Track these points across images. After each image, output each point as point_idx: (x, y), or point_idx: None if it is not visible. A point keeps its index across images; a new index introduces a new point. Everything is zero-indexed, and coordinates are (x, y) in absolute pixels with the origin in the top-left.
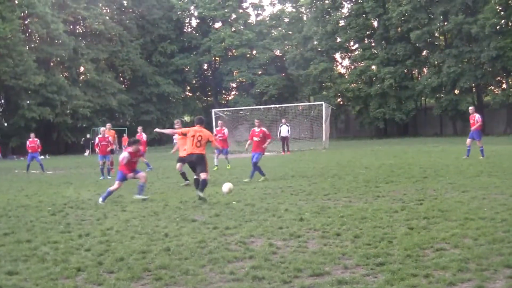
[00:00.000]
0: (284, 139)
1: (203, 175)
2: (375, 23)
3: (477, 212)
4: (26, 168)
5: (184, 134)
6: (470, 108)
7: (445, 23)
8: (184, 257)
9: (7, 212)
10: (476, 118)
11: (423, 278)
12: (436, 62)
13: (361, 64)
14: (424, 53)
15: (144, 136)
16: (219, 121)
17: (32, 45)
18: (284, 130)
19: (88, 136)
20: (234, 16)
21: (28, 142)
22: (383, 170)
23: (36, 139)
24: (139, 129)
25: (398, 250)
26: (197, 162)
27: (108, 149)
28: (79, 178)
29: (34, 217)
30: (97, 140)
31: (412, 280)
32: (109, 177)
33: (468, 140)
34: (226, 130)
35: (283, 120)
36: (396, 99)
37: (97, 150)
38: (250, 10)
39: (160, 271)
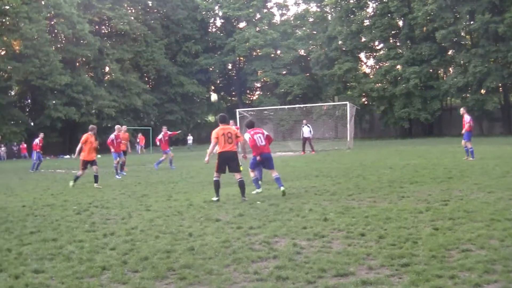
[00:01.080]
0: (306, 140)
1: (238, 176)
2: (400, 23)
3: (504, 213)
4: (37, 167)
5: (217, 138)
6: (461, 109)
7: (471, 22)
8: (208, 256)
9: (33, 211)
10: (467, 120)
11: (448, 279)
12: (462, 61)
13: (386, 64)
14: (449, 52)
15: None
16: (231, 121)
17: (58, 46)
18: (306, 131)
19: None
20: (258, 16)
21: (38, 141)
22: (408, 171)
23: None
24: (164, 128)
25: (423, 251)
26: (231, 160)
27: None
28: (103, 177)
29: (60, 216)
30: (112, 137)
31: (437, 281)
32: (123, 173)
33: (463, 142)
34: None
35: (304, 121)
36: (421, 99)
37: (111, 148)
38: (274, 10)
39: (184, 270)
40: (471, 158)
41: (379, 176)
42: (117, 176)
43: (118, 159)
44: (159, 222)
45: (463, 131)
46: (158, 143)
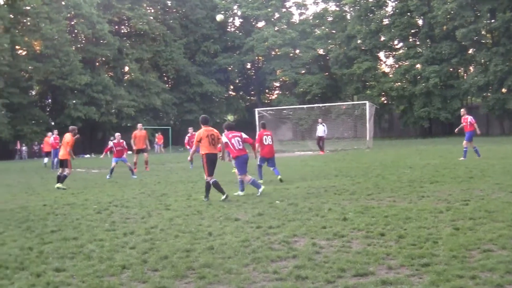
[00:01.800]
0: (319, 139)
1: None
2: (420, 21)
3: None
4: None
5: (199, 141)
6: (462, 110)
7: (492, 20)
8: (228, 256)
9: (54, 210)
10: (469, 120)
11: (469, 279)
12: (482, 60)
13: (406, 63)
14: (470, 51)
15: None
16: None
17: (78, 46)
18: (320, 130)
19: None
20: (277, 15)
21: (52, 139)
22: (428, 170)
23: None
24: (190, 129)
25: (444, 251)
26: (216, 161)
27: (124, 154)
28: (123, 176)
29: (80, 215)
30: (111, 144)
31: (458, 282)
32: (134, 177)
33: (465, 142)
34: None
35: (320, 120)
36: (441, 98)
37: (108, 153)
38: (293, 9)
39: (204, 269)
40: (462, 158)
41: (399, 176)
42: (108, 177)
43: (115, 163)
44: (179, 221)
45: (467, 131)
46: (187, 146)
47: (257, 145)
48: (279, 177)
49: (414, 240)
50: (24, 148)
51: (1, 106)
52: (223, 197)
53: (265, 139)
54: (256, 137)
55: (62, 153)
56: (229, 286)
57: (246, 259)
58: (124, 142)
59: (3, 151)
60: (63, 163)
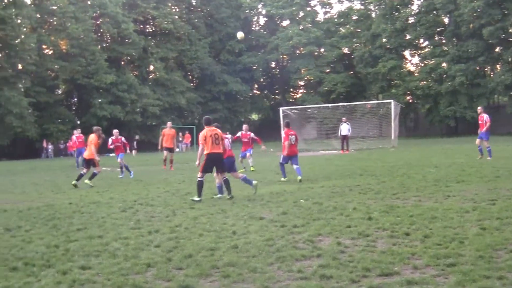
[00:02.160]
0: (344, 138)
1: (223, 175)
2: (446, 20)
3: None
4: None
5: (204, 140)
6: (479, 108)
7: None
8: (252, 254)
9: (79, 208)
10: (484, 119)
11: (496, 280)
12: (510, 59)
13: (431, 62)
14: (497, 49)
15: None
16: (244, 125)
17: (104, 45)
18: (344, 129)
19: (136, 136)
20: (301, 14)
21: (75, 138)
22: (454, 169)
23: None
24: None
25: (470, 251)
26: (218, 161)
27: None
28: (148, 175)
29: (106, 213)
30: (110, 141)
31: (485, 282)
32: (121, 176)
33: (478, 141)
34: (251, 135)
35: (343, 119)
36: (467, 97)
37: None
38: (318, 8)
39: (228, 268)
40: (488, 158)
41: (424, 175)
42: (121, 176)
43: (120, 159)
44: (203, 220)
45: (483, 130)
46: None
47: (286, 143)
48: (299, 178)
49: (440, 240)
50: (50, 146)
51: (28, 105)
52: (197, 198)
53: (291, 139)
54: (283, 135)
55: (88, 153)
56: (254, 285)
57: (271, 258)
58: (123, 138)
59: (30, 149)
60: (89, 163)
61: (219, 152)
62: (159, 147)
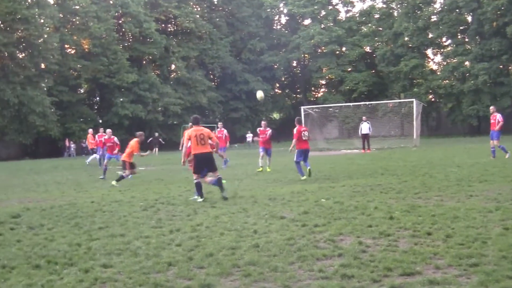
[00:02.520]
0: (364, 137)
1: (216, 174)
2: (469, 18)
3: None
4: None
5: (189, 139)
6: (491, 107)
7: None
8: (273, 254)
9: (101, 207)
10: (497, 118)
11: None
12: None
13: (454, 60)
14: None
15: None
16: (263, 122)
17: (125, 44)
18: (364, 128)
19: (156, 134)
20: (323, 12)
21: (97, 137)
22: (477, 169)
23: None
24: (220, 124)
25: (493, 251)
26: (206, 161)
27: (115, 151)
28: (169, 174)
29: (127, 212)
30: (97, 138)
31: (508, 282)
32: (101, 177)
33: (491, 142)
34: (269, 132)
35: (364, 118)
36: (490, 96)
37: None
38: (339, 7)
39: (249, 267)
40: (507, 156)
41: (447, 175)
42: (102, 177)
43: (108, 160)
44: (224, 219)
45: (496, 129)
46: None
47: (294, 141)
48: (308, 168)
49: (462, 239)
50: (72, 145)
51: (50, 104)
52: (200, 200)
53: (304, 134)
54: (295, 132)
55: (124, 155)
56: (274, 284)
57: (292, 257)
58: (115, 138)
59: (52, 148)
60: (124, 165)
61: (205, 151)
62: (180, 147)
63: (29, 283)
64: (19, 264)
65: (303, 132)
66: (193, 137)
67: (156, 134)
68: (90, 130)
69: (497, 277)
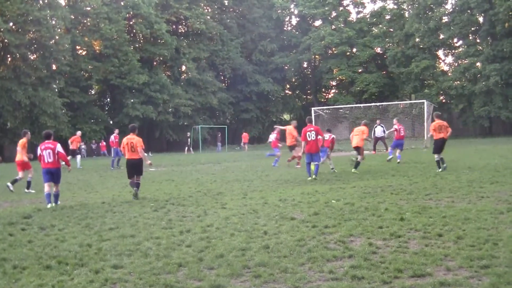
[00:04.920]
0: (377, 139)
1: (138, 179)
2: (481, 19)
3: None
4: (117, 163)
5: (123, 147)
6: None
7: None
8: (283, 255)
9: (112, 207)
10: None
11: None
12: None
13: (465, 61)
14: None
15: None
16: (275, 126)
17: (136, 45)
18: (378, 131)
19: (188, 134)
20: (334, 14)
21: (113, 137)
22: (488, 170)
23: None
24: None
25: (504, 253)
26: (134, 167)
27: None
28: (180, 175)
29: (138, 213)
30: (112, 138)
31: None
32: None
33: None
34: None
35: (378, 121)
36: (502, 97)
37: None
38: (350, 8)
39: (259, 268)
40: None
41: (458, 176)
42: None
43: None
44: (235, 220)
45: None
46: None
47: (303, 142)
48: (311, 178)
49: (473, 241)
50: (83, 146)
51: (61, 105)
52: (134, 194)
53: (309, 135)
54: (302, 134)
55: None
56: (285, 285)
57: (302, 258)
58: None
59: (63, 149)
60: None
61: (134, 158)
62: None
63: (40, 283)
64: (30, 264)
65: (308, 133)
66: (125, 145)
67: (188, 134)
68: (78, 133)
69: (509, 279)
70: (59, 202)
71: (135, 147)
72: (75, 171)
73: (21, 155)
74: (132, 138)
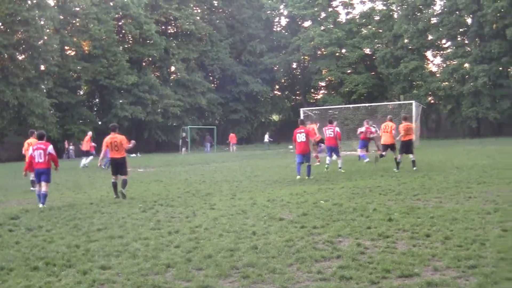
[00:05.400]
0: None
1: (124, 177)
2: (469, 20)
3: None
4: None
5: (107, 147)
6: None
7: None
8: (272, 255)
9: (100, 208)
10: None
11: None
12: None
13: (454, 62)
14: None
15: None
16: (308, 122)
17: (126, 46)
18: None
19: (184, 134)
20: (323, 14)
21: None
22: (476, 171)
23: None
24: (89, 133)
25: (491, 253)
26: (118, 165)
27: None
28: (169, 176)
29: (126, 214)
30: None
31: (507, 284)
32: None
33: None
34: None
35: (369, 122)
36: (490, 98)
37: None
38: (339, 9)
39: (248, 269)
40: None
41: (446, 176)
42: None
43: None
44: (223, 221)
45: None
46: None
47: (293, 144)
48: (299, 177)
49: (460, 241)
50: (71, 147)
51: (50, 106)
52: (115, 196)
53: (298, 136)
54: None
55: None
56: (273, 286)
57: (290, 259)
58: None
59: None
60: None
61: (118, 157)
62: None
63: (28, 284)
64: (18, 265)
65: (297, 135)
66: (109, 144)
67: (184, 134)
68: (89, 133)
69: (496, 279)
70: (45, 204)
71: (119, 146)
72: (79, 170)
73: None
74: (115, 137)
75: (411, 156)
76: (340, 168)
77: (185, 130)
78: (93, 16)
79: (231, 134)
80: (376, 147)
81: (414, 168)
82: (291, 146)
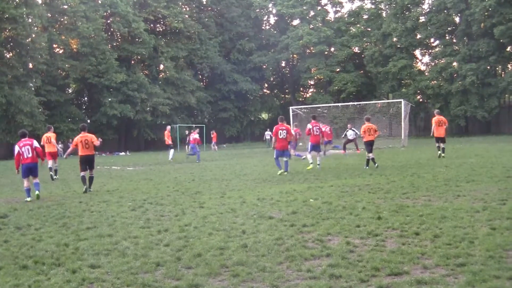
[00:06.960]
0: (350, 141)
1: (91, 173)
2: (457, 19)
3: None
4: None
5: (76, 145)
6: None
7: None
8: (261, 254)
9: (89, 207)
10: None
11: (506, 280)
12: None
13: (442, 61)
14: (508, 49)
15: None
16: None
17: (114, 44)
18: (350, 134)
19: (187, 132)
20: (312, 13)
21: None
22: (464, 169)
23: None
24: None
25: (480, 251)
26: (89, 162)
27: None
28: (158, 174)
29: (115, 213)
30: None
31: (495, 282)
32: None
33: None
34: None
35: (349, 125)
36: (478, 97)
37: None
38: (328, 7)
39: (237, 267)
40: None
41: (435, 175)
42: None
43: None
44: (213, 219)
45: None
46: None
47: (273, 138)
48: (281, 171)
49: (449, 239)
50: (60, 145)
51: (38, 104)
52: (84, 188)
53: (280, 133)
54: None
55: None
56: (263, 284)
57: (280, 257)
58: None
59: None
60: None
61: (89, 154)
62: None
63: (16, 283)
64: (6, 264)
65: (279, 131)
66: (79, 142)
67: (187, 132)
68: (168, 127)
69: (484, 277)
70: (40, 189)
71: (89, 144)
72: (67, 168)
73: (53, 146)
74: (86, 136)
75: (370, 155)
76: (319, 164)
77: (190, 129)
78: (81, 14)
79: (213, 132)
80: (355, 147)
81: (366, 167)
82: None
